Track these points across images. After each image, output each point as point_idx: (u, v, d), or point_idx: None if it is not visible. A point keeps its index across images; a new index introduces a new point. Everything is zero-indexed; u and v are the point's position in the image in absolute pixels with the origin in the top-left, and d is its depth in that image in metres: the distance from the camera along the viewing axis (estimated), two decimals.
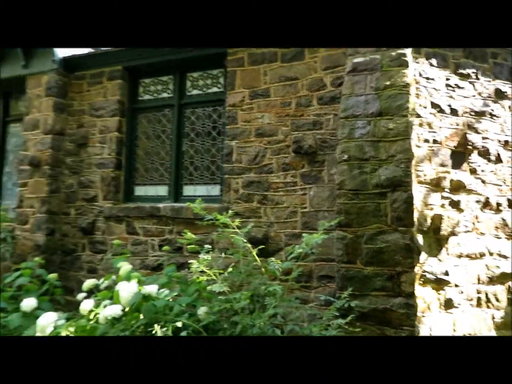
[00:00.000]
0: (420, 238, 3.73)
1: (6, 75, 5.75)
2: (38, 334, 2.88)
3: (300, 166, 4.15)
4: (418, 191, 3.78)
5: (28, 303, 3.46)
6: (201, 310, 2.83)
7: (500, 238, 4.15)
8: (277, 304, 2.56)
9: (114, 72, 5.25)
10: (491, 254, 4.06)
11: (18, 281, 3.87)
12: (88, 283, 3.59)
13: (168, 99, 5.16)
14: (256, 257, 2.95)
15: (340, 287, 3.26)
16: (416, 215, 3.71)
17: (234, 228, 3.01)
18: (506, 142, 4.22)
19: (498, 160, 4.20)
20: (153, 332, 2.51)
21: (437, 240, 3.82)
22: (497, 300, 4.01)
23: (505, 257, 4.13)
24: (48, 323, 2.91)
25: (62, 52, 5.37)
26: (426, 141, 3.90)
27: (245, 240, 2.92)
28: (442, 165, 3.94)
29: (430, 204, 3.83)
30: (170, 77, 5.19)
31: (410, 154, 3.34)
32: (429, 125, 3.93)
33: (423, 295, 3.68)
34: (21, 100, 5.90)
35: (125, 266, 3.39)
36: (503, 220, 4.16)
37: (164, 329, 2.52)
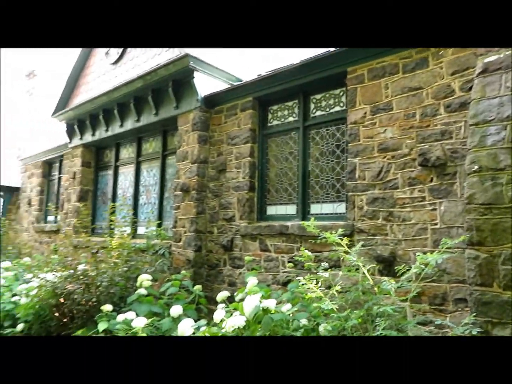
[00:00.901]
0: None
1: (164, 116, 6.84)
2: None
3: (428, 179, 3.90)
4: None
5: (176, 310, 4.02)
6: (322, 327, 2.90)
7: None
8: (387, 324, 2.47)
9: (246, 103, 5.79)
10: None
11: (169, 291, 4.55)
12: (221, 295, 4.00)
13: (293, 122, 5.44)
14: (368, 276, 2.89)
15: (474, 312, 2.94)
16: None
17: (343, 246, 3.01)
18: None
19: None
20: None
21: None
22: None
23: None
24: (186, 328, 3.37)
25: (204, 91, 6.16)
26: None
27: (354, 258, 2.90)
28: None
29: None
30: (295, 101, 5.47)
31: None
32: None
33: None
34: (175, 136, 6.93)
35: (251, 281, 3.68)
36: None
37: None
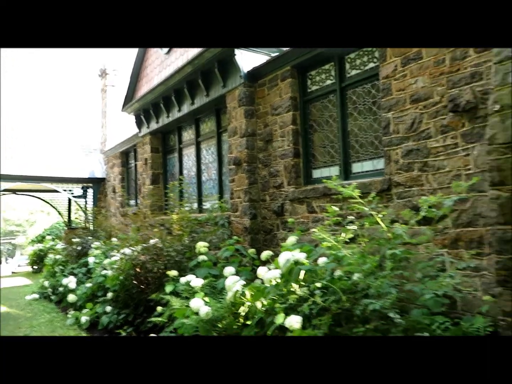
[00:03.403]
0: None
1: (214, 96, 7.27)
2: (227, 292, 3.82)
3: (460, 125, 3.83)
4: None
5: (229, 270, 4.50)
6: (337, 273, 3.15)
7: None
8: (395, 265, 2.63)
9: (285, 72, 5.95)
10: None
11: (224, 254, 5.04)
12: (264, 254, 4.37)
13: (331, 85, 5.51)
14: (381, 223, 3.03)
15: (497, 251, 2.95)
16: None
17: (356, 199, 3.17)
18: None
19: None
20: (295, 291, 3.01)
21: None
22: None
23: None
24: (233, 282, 3.81)
25: (246, 67, 6.43)
26: None
27: (367, 209, 3.05)
28: None
29: None
30: (331, 63, 5.51)
31: None
32: None
33: None
34: (226, 113, 7.33)
35: (290, 239, 3.99)
36: None
37: (305, 288, 2.98)
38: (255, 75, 6.44)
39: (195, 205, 8.29)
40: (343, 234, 3.26)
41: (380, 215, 3.11)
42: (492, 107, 3.15)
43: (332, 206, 3.56)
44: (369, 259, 2.82)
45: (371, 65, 4.98)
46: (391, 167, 4.44)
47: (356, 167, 5.15)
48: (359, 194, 3.40)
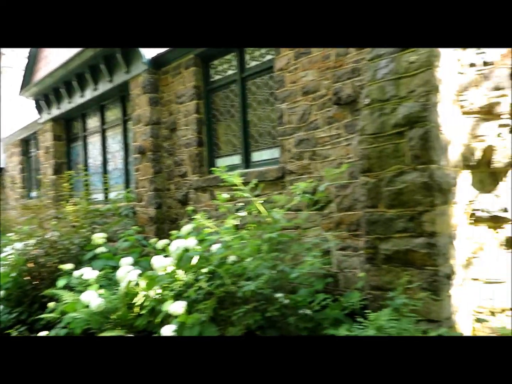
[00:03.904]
0: (466, 174, 3.43)
1: (118, 82, 6.99)
2: (120, 283, 3.76)
3: (342, 117, 4.13)
4: (462, 123, 3.43)
5: (126, 261, 4.41)
6: (230, 259, 3.27)
7: None
8: (272, 248, 2.81)
9: (188, 61, 5.91)
10: None
11: (123, 245, 4.94)
12: (161, 243, 4.37)
13: (233, 75, 5.59)
14: (261, 208, 3.21)
15: (366, 231, 3.28)
16: (459, 150, 3.41)
17: (238, 187, 3.31)
18: None
19: None
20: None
21: (491, 174, 3.42)
22: None
23: None
24: (125, 273, 3.76)
25: (148, 53, 6.26)
26: (472, 65, 3.45)
27: (246, 194, 3.21)
28: (497, 88, 3.44)
29: (481, 136, 3.43)
30: (233, 54, 5.59)
31: (431, 85, 3.07)
32: None
33: (474, 234, 3.40)
34: (131, 100, 7.10)
35: (186, 227, 4.03)
36: None
37: (191, 274, 3.05)
38: (159, 62, 6.31)
39: (101, 196, 7.97)
40: (231, 221, 3.38)
41: (260, 201, 3.27)
42: (363, 101, 3.46)
43: (223, 194, 3.67)
44: (250, 243, 2.97)
45: (269, 57, 5.14)
46: (285, 156, 4.66)
47: (256, 156, 5.32)
48: (255, 182, 3.54)
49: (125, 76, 6.76)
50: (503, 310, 3.42)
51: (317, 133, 4.34)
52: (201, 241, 3.85)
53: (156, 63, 6.32)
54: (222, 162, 5.76)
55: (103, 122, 8.18)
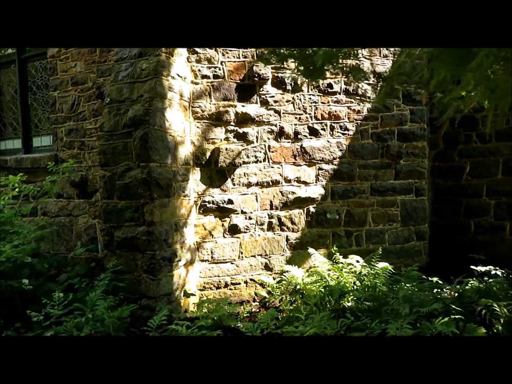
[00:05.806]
0: (197, 171, 3.99)
1: None
2: None
3: None
4: (194, 127, 3.97)
5: None
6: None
7: (300, 165, 4.32)
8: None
9: None
10: (288, 181, 4.27)
11: None
12: None
13: (12, 55, 5.31)
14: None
15: (104, 220, 3.61)
16: (190, 150, 3.94)
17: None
18: None
19: (296, 89, 4.25)
20: None
21: (219, 172, 4.06)
22: (293, 223, 4.29)
23: (305, 183, 4.33)
24: None
25: None
26: (205, 77, 4.00)
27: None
28: (226, 99, 4.05)
29: (211, 139, 4.02)
30: None
31: (155, 92, 3.48)
32: (209, 60, 4.00)
33: (203, 223, 4.01)
34: None
35: None
36: (303, 148, 4.30)
37: None
38: None
39: None
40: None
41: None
42: (106, 100, 3.72)
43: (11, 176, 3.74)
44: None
45: None
46: (57, 144, 4.70)
47: (37, 141, 5.22)
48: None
49: None
50: (226, 285, 4.15)
51: (85, 124, 4.49)
52: None
53: None
54: (4, 145, 5.49)
55: None
